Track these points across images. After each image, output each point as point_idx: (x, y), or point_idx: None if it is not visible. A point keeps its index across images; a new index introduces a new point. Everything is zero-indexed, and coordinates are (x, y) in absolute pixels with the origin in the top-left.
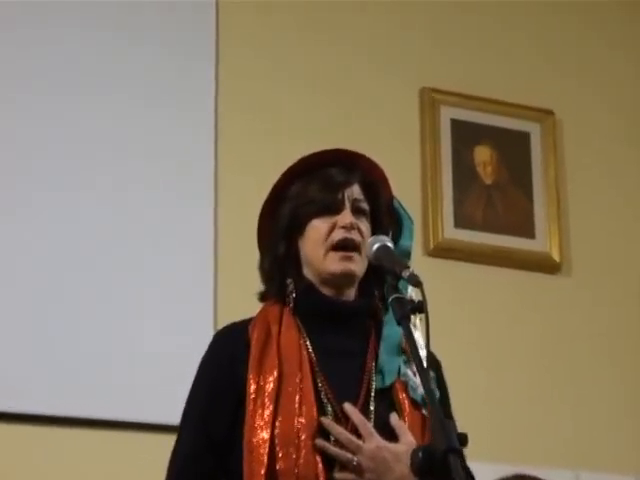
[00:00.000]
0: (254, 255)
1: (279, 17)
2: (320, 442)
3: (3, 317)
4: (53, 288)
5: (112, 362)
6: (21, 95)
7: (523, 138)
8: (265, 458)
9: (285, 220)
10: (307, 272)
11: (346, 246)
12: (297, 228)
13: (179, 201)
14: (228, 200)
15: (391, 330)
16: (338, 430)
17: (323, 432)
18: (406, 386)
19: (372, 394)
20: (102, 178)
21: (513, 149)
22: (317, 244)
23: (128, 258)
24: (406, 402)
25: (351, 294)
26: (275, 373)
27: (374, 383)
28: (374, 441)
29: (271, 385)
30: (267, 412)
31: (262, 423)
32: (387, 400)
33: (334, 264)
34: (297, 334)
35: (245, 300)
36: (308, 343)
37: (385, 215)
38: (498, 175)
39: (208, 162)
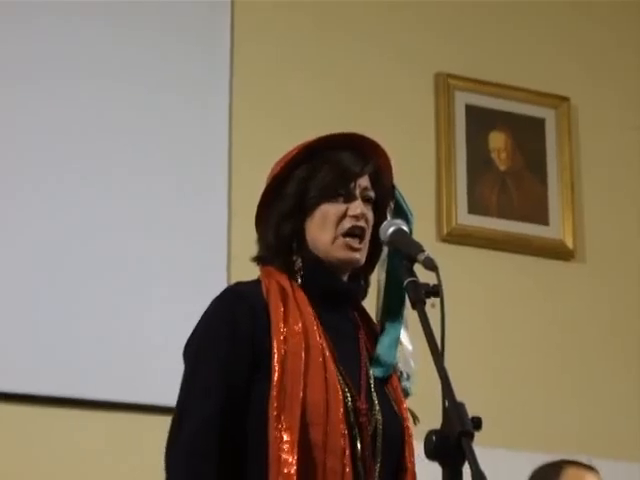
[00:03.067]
0: None
1: (294, 6)
2: None
3: (5, 298)
4: (59, 271)
5: (121, 346)
6: (30, 83)
7: (538, 124)
8: (297, 431)
9: (292, 200)
10: (313, 252)
11: (355, 235)
12: (306, 209)
13: (193, 189)
14: (242, 188)
15: (395, 322)
16: None
17: (347, 407)
18: (398, 375)
19: (371, 379)
20: (115, 166)
21: (528, 135)
22: (326, 229)
23: (140, 244)
24: (399, 390)
25: (345, 278)
26: (300, 341)
27: (371, 370)
28: None
29: (297, 357)
30: (297, 386)
31: (292, 397)
32: (383, 387)
33: (342, 251)
34: (309, 304)
35: None
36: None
37: (386, 201)
38: (513, 161)
39: (222, 151)
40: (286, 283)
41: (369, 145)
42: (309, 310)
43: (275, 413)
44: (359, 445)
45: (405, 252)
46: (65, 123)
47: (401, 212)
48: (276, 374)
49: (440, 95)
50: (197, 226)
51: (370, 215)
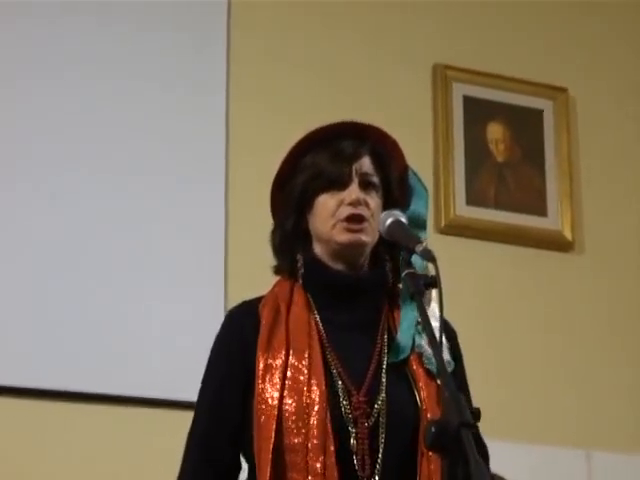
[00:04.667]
0: (264, 238)
1: (290, 2)
2: None
3: (5, 293)
4: (59, 266)
5: (122, 340)
6: (30, 80)
7: (536, 115)
8: (272, 434)
9: (295, 194)
10: (317, 247)
11: (353, 220)
12: (306, 203)
13: (190, 188)
14: (239, 187)
15: (410, 306)
16: None
17: (333, 407)
18: (421, 357)
19: (383, 367)
20: (112, 161)
21: (526, 126)
22: (325, 219)
23: (139, 240)
24: (421, 373)
25: (362, 266)
26: (283, 351)
27: (385, 356)
28: None
29: (279, 362)
30: (275, 389)
31: (270, 400)
32: (400, 373)
33: (342, 234)
34: (306, 310)
35: (255, 286)
36: (318, 318)
37: (396, 186)
38: (510, 153)
39: (219, 149)
40: (285, 297)
41: (367, 130)
42: (304, 318)
43: (257, 423)
44: (352, 441)
45: (403, 244)
46: (62, 122)
47: (414, 192)
48: (258, 388)
49: (438, 86)
50: (194, 224)
51: (373, 199)
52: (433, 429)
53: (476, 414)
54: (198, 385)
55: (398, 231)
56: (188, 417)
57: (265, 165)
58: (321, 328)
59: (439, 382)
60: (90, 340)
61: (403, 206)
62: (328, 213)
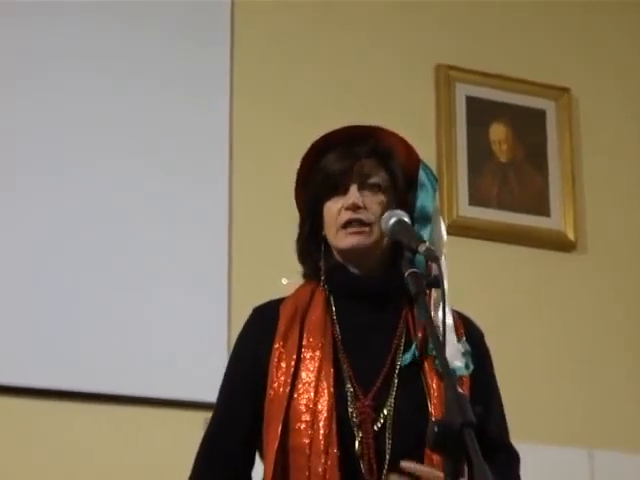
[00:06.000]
0: (268, 237)
1: (293, 2)
2: (406, 464)
3: (4, 291)
4: (63, 263)
5: (123, 339)
6: (30, 81)
7: (539, 116)
8: (278, 434)
9: (307, 201)
10: (334, 251)
11: (351, 225)
12: (318, 209)
13: (194, 186)
14: (243, 185)
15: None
16: (417, 467)
17: (340, 410)
18: (434, 360)
19: (396, 370)
20: (116, 162)
21: (529, 127)
22: (330, 226)
23: (141, 239)
24: (433, 376)
25: (377, 268)
26: (295, 351)
27: (399, 358)
28: None
29: (292, 362)
30: (285, 389)
31: (280, 399)
32: (414, 376)
33: (343, 241)
34: (324, 312)
35: (259, 285)
36: (335, 320)
37: (403, 183)
38: (513, 153)
39: (223, 148)
40: (304, 300)
41: (371, 131)
42: (321, 322)
43: (266, 424)
44: (357, 445)
45: (406, 243)
46: (65, 118)
47: (423, 186)
48: (270, 392)
49: (441, 87)
50: (198, 222)
51: (376, 200)
52: (436, 429)
53: (479, 414)
54: (200, 384)
55: (401, 231)
56: (190, 416)
57: (268, 162)
58: (337, 330)
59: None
60: (90, 339)
61: (412, 204)
62: (332, 220)
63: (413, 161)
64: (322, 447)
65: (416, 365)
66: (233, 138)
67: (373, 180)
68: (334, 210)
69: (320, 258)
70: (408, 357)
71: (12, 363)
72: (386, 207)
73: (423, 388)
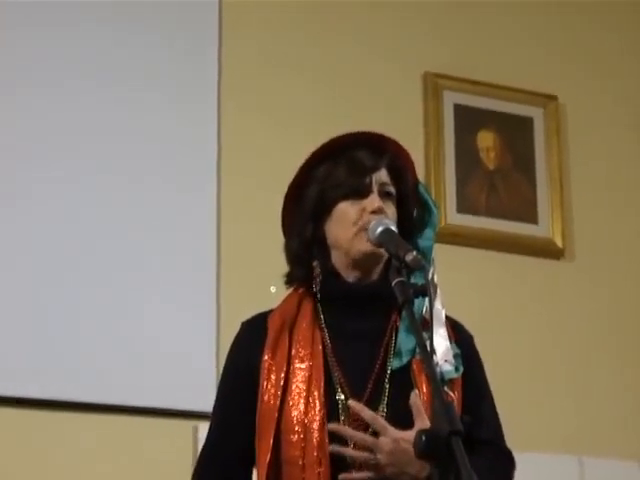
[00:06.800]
0: (257, 243)
1: (281, 5)
2: (335, 447)
3: (3, 300)
4: (55, 274)
5: (115, 349)
6: (23, 85)
7: (526, 123)
8: (270, 446)
9: (312, 202)
10: (334, 255)
11: None
12: (324, 211)
13: (182, 189)
14: (231, 188)
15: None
16: (350, 432)
17: (332, 418)
18: (422, 363)
19: (387, 375)
20: (103, 166)
21: (516, 134)
22: (346, 227)
23: (132, 250)
24: (423, 380)
25: (376, 274)
26: (285, 362)
27: (390, 364)
28: (389, 435)
29: (282, 374)
30: (275, 401)
31: (270, 411)
32: (404, 380)
33: (364, 244)
34: (313, 320)
35: (248, 295)
36: (325, 328)
37: (411, 199)
38: (501, 160)
39: (211, 150)
40: (295, 302)
41: (384, 142)
42: (309, 330)
43: (257, 435)
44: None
45: (393, 252)
46: (54, 123)
47: (426, 207)
48: (261, 403)
49: (428, 94)
50: (186, 226)
51: (391, 210)
52: (423, 438)
53: (466, 422)
54: (193, 394)
55: (388, 239)
56: (183, 426)
57: (257, 165)
58: (327, 338)
59: (446, 389)
60: (84, 350)
61: (414, 218)
62: (350, 221)
63: (414, 178)
64: (315, 459)
65: (406, 370)
66: (221, 144)
67: (389, 190)
68: (352, 212)
69: (313, 260)
70: (397, 362)
71: (9, 373)
72: (396, 218)
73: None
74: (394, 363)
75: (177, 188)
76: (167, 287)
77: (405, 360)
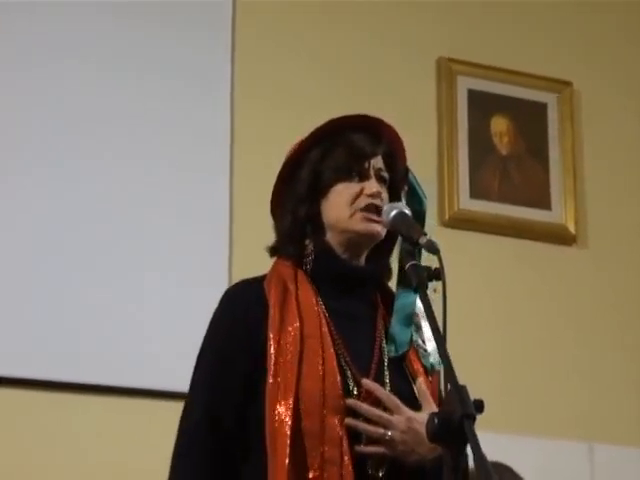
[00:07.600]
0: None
1: None
2: (350, 420)
3: (2, 283)
4: (58, 256)
5: (120, 330)
6: (31, 77)
7: (540, 109)
8: (290, 421)
9: (307, 182)
10: (328, 234)
11: (372, 210)
12: (320, 191)
13: (195, 178)
14: (243, 176)
15: (405, 300)
16: (366, 408)
17: (348, 394)
18: (417, 352)
19: (385, 363)
20: (117, 154)
21: (530, 120)
22: (342, 207)
23: (140, 232)
24: (419, 369)
25: (363, 258)
26: (297, 334)
27: (386, 352)
28: (403, 413)
29: (293, 347)
30: (291, 376)
31: (286, 387)
32: (399, 369)
33: (360, 223)
34: (313, 295)
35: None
36: (323, 306)
37: (401, 186)
38: (514, 146)
39: (224, 139)
40: (290, 277)
41: (382, 127)
42: (311, 301)
43: (270, 404)
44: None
45: (407, 235)
46: (65, 114)
47: (415, 195)
48: (272, 368)
49: (442, 80)
50: (199, 213)
51: (385, 195)
52: (436, 421)
53: (479, 406)
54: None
55: (402, 223)
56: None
57: (269, 154)
58: (326, 315)
59: (430, 379)
60: (87, 331)
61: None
62: (346, 201)
63: (404, 166)
64: (337, 435)
65: (400, 360)
66: (234, 134)
67: (384, 175)
68: (349, 192)
69: (306, 239)
70: (394, 351)
71: (7, 355)
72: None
73: (409, 380)
74: (391, 352)
75: (189, 177)
76: (178, 269)
77: (401, 351)
